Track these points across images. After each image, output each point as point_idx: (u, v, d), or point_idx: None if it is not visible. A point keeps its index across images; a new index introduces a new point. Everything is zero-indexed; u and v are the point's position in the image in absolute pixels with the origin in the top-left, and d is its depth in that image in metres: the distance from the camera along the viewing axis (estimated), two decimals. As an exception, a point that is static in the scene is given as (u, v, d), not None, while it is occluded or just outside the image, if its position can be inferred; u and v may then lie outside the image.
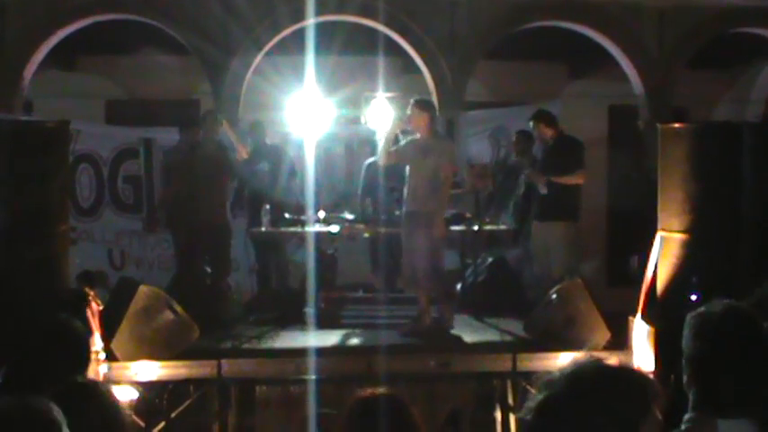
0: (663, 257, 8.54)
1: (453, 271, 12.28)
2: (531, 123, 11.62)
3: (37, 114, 14.13)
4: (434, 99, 13.76)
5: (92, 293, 8.06)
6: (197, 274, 10.90)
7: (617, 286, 12.92)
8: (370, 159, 12.00)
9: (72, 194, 12.41)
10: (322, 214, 11.48)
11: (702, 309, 3.48)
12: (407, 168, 10.14)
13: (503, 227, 11.92)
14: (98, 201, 13.40)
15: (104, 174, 13.40)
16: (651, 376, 2.49)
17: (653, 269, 8.70)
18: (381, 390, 3.94)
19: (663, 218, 8.61)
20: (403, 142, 10.26)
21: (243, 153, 11.38)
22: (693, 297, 8.11)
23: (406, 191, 10.18)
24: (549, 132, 11.42)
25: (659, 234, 8.63)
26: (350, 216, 11.62)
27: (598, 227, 15.99)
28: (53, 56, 13.92)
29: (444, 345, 9.98)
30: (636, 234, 11.90)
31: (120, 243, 13.35)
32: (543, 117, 11.60)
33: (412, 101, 10.23)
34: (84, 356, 4.21)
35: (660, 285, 8.55)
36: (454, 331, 10.43)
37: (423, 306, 10.24)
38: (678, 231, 8.39)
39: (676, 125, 8.74)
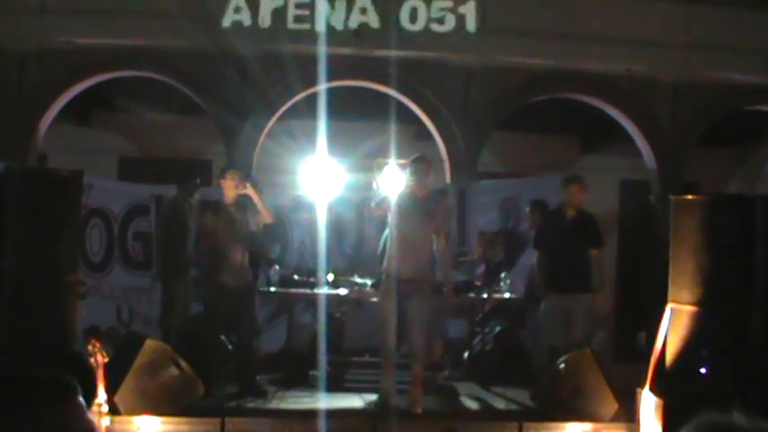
0: (673, 330, 8.46)
1: (461, 339, 12.25)
2: (567, 186, 11.02)
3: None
4: (446, 167, 13.81)
5: (97, 345, 8.01)
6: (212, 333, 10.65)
7: (624, 361, 12.82)
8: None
9: (82, 249, 12.38)
10: (331, 277, 11.46)
11: None
12: (395, 224, 9.79)
13: (513, 296, 11.81)
14: (108, 256, 13.34)
15: (115, 230, 13.37)
16: None
17: (662, 341, 8.64)
18: None
19: (673, 290, 8.54)
20: (399, 198, 9.95)
21: (268, 217, 10.72)
22: (703, 370, 8.06)
23: (393, 251, 9.83)
24: (581, 199, 11.11)
25: (669, 306, 8.56)
26: (359, 280, 11.60)
27: (607, 301, 15.90)
28: (69, 111, 14.04)
29: (451, 412, 9.91)
30: (644, 309, 11.86)
31: (129, 300, 13.28)
32: (581, 180, 11.16)
33: (411, 159, 10.08)
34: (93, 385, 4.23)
35: (669, 358, 8.46)
36: (461, 398, 10.36)
37: (386, 383, 9.84)
38: (688, 304, 8.32)
39: (689, 197, 8.71)
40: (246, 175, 11.33)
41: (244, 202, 10.62)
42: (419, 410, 9.67)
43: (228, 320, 10.69)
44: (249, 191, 10.50)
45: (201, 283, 11.07)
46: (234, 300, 10.34)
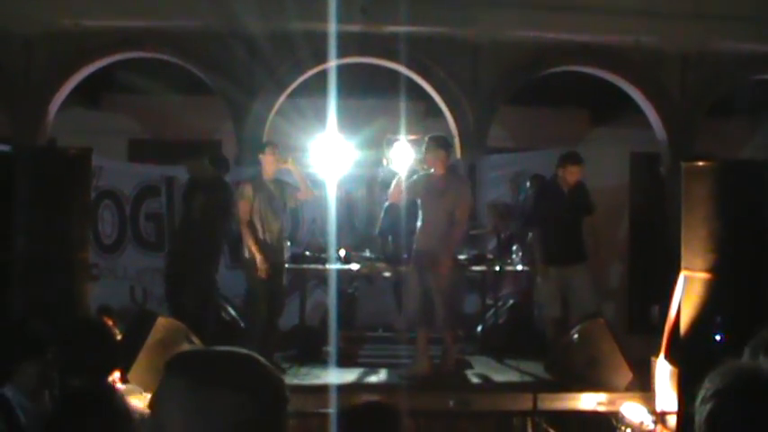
0: (686, 297, 8.46)
1: (474, 313, 12.23)
2: (564, 165, 11.06)
3: (60, 150, 14.15)
4: (456, 142, 13.75)
5: (110, 323, 8.03)
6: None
7: (638, 333, 12.81)
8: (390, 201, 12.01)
9: (94, 231, 12.41)
10: (343, 253, 11.45)
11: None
12: (420, 204, 10.03)
13: (525, 268, 11.77)
14: (120, 238, 13.38)
15: (127, 211, 13.39)
16: None
17: (676, 309, 8.62)
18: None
19: (686, 257, 8.53)
20: (415, 177, 10.17)
21: (309, 193, 10.72)
22: (717, 337, 8.04)
23: (419, 228, 10.03)
24: (578, 176, 11.15)
25: (683, 274, 8.55)
26: (371, 255, 11.61)
27: (619, 273, 15.89)
28: (78, 93, 13.99)
29: (464, 384, 9.91)
30: (657, 281, 11.81)
31: (142, 280, 13.31)
32: (577, 158, 11.13)
33: (427, 138, 10.20)
34: (115, 352, 4.38)
35: (683, 325, 8.46)
36: (475, 371, 10.37)
37: (421, 348, 10.06)
38: (702, 271, 8.31)
39: (700, 163, 8.67)
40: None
41: (281, 178, 10.58)
42: (449, 368, 9.96)
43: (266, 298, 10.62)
44: (290, 165, 10.46)
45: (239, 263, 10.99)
46: (271, 277, 10.25)
